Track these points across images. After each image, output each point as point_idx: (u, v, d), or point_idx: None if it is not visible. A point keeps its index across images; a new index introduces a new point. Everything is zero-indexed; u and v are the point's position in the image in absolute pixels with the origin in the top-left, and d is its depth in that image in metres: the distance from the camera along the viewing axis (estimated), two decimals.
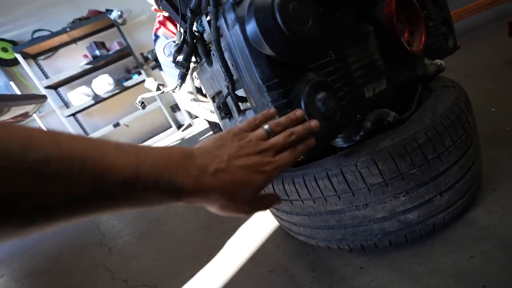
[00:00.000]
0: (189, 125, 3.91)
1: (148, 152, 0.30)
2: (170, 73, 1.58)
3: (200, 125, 3.61)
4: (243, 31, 0.42)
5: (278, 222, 0.82)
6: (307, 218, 0.65)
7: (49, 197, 0.23)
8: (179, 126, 4.16)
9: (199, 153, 0.34)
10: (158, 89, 0.68)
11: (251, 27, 0.41)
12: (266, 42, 0.39)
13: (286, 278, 0.70)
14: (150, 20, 4.01)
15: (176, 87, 0.66)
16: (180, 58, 0.61)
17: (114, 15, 3.45)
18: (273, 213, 0.79)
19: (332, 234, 0.64)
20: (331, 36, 0.51)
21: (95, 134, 3.66)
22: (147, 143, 4.02)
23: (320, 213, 0.61)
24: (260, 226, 0.96)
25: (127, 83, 3.75)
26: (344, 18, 0.54)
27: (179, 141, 3.39)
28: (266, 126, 0.37)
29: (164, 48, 0.83)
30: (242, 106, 0.56)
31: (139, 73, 3.83)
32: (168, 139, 3.87)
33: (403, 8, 0.64)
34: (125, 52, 3.71)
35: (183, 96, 1.60)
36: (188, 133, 3.57)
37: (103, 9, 3.49)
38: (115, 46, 3.67)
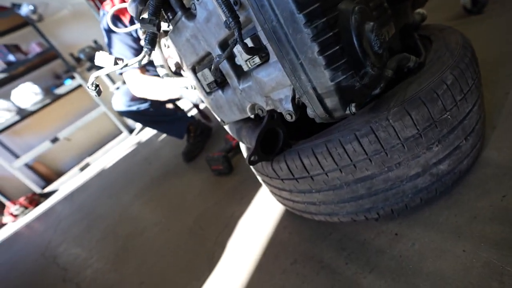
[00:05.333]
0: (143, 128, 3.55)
1: None
2: (121, 52, 1.35)
3: None
4: None
5: (288, 206, 0.72)
6: (331, 193, 0.56)
7: None
8: (131, 130, 3.76)
9: None
10: (116, 63, 0.51)
11: None
12: None
13: (314, 265, 0.61)
14: (75, 15, 3.47)
15: (144, 56, 0.50)
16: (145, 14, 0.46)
17: (24, 10, 2.88)
18: (283, 197, 0.69)
19: (360, 205, 0.56)
20: None
21: (29, 155, 3.09)
22: (97, 154, 3.55)
23: (348, 183, 0.53)
24: (262, 215, 0.86)
25: (58, 91, 3.22)
26: None
27: (135, 146, 3.05)
28: None
29: (109, 17, 0.64)
30: (245, 65, 0.43)
31: (72, 77, 3.32)
32: (121, 146, 3.47)
33: None
34: (49, 54, 3.17)
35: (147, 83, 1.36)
36: (143, 136, 3.24)
37: (7, 4, 2.88)
38: (34, 49, 3.10)
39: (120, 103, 1.59)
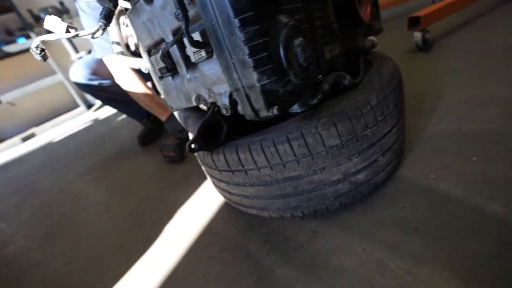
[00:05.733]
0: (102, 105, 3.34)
1: None
2: (88, 24, 1.26)
3: None
4: None
5: (226, 197, 0.76)
6: (262, 188, 0.61)
7: None
8: (89, 105, 3.52)
9: None
10: (67, 31, 0.50)
11: None
12: None
13: (240, 254, 0.65)
14: None
15: (98, 30, 0.50)
16: None
17: None
18: (221, 188, 0.72)
19: (287, 202, 0.62)
20: None
21: None
22: (45, 125, 3.26)
23: (277, 181, 0.58)
24: (203, 205, 0.88)
25: (8, 48, 2.91)
26: None
27: (91, 123, 2.87)
28: None
29: None
30: (193, 57, 0.45)
31: (28, 37, 3.01)
32: (76, 121, 3.23)
33: None
34: (2, 5, 2.84)
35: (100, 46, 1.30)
36: (101, 113, 3.06)
37: None
38: None
39: (80, 75, 1.49)
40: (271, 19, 0.36)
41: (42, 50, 0.53)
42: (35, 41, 0.50)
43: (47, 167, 2.01)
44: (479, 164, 0.66)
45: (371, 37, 0.90)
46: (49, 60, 3.36)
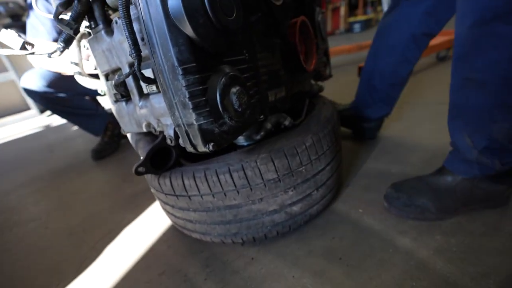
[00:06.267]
0: None
1: None
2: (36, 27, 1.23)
3: None
4: (164, 4, 0.38)
5: (172, 220, 0.77)
6: (204, 214, 0.64)
7: None
8: (42, 110, 3.27)
9: None
10: (23, 48, 0.52)
11: (175, 2, 0.38)
12: (190, 22, 0.36)
13: (178, 278, 0.66)
14: None
15: (55, 51, 0.52)
16: (66, 15, 0.49)
17: None
18: (167, 211, 0.74)
19: (228, 229, 0.66)
20: (247, 36, 0.54)
21: None
22: None
23: (218, 208, 0.62)
24: (149, 227, 0.88)
25: None
26: (259, 24, 0.58)
27: (42, 129, 2.67)
28: None
29: None
30: (145, 89, 0.50)
31: None
32: (23, 125, 2.97)
33: (302, 31, 0.75)
34: None
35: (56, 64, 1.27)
36: (55, 120, 2.86)
37: None
38: None
39: (33, 83, 1.41)
40: (214, 68, 0.42)
41: None
42: None
43: None
44: None
45: (319, 83, 1.03)
46: (2, 56, 3.12)
